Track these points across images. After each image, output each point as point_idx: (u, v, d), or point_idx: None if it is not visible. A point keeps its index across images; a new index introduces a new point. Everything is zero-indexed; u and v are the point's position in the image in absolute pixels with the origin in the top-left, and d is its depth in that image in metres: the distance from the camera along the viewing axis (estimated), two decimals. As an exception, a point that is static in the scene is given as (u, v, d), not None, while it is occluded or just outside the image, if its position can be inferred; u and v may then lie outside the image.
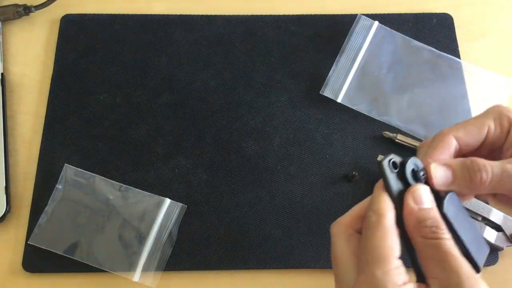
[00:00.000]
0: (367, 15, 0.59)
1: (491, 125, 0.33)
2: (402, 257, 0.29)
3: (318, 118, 0.55)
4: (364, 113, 0.55)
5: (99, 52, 0.58)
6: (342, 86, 0.55)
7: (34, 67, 0.58)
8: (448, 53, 0.57)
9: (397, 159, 0.30)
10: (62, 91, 0.56)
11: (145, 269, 0.48)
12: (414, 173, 0.31)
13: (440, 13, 0.61)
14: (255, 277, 0.49)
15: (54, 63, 0.57)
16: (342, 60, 0.57)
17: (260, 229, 0.50)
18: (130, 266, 0.48)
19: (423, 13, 0.61)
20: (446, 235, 0.28)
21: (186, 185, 0.52)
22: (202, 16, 0.60)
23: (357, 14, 0.59)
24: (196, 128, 0.54)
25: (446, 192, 0.31)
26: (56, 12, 0.60)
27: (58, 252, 0.48)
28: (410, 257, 0.30)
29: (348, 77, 0.56)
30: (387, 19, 0.59)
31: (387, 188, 0.29)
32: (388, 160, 0.30)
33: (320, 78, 0.56)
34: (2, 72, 0.56)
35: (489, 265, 0.49)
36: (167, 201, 0.50)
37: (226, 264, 0.49)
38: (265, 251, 0.49)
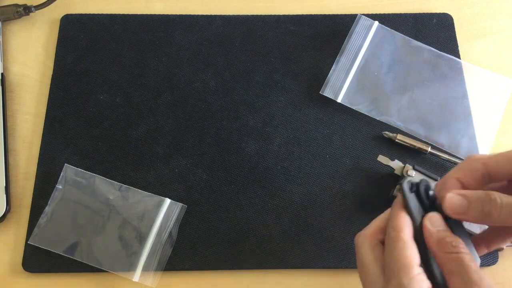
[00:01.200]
0: (367, 15, 0.59)
1: None
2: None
3: (318, 118, 0.55)
4: (364, 113, 0.55)
5: (99, 52, 0.58)
6: (342, 86, 0.55)
7: (34, 67, 0.58)
8: (448, 53, 0.57)
9: (414, 180, 0.35)
10: (62, 91, 0.56)
11: (145, 269, 0.48)
12: (427, 193, 0.35)
13: (440, 13, 0.61)
14: (255, 277, 0.49)
15: (54, 63, 0.57)
16: (342, 60, 0.57)
17: (260, 229, 0.50)
18: (130, 266, 0.48)
19: (423, 13, 0.61)
20: (465, 249, 0.31)
21: (186, 185, 0.52)
22: (202, 16, 0.60)
23: (357, 14, 0.59)
24: (196, 128, 0.54)
25: None
26: (56, 12, 0.60)
27: (58, 252, 0.48)
28: (426, 270, 0.32)
29: (348, 77, 0.56)
30: (387, 19, 0.59)
31: (406, 205, 0.33)
32: (407, 182, 0.35)
33: (320, 78, 0.56)
34: (2, 72, 0.56)
35: (489, 265, 0.49)
36: (167, 201, 0.50)
37: (226, 264, 0.49)
38: (265, 251, 0.49)
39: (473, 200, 0.32)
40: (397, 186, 0.49)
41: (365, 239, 0.34)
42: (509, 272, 0.50)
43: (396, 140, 0.53)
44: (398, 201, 0.34)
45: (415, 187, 0.35)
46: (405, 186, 0.34)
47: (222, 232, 0.50)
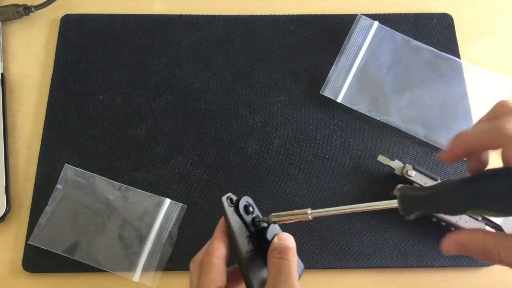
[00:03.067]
0: (367, 15, 0.59)
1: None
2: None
3: (318, 118, 0.55)
4: (364, 113, 0.55)
5: (99, 52, 0.58)
6: (342, 86, 0.55)
7: (34, 67, 0.58)
8: (448, 53, 0.57)
9: (233, 196, 0.39)
10: (62, 91, 0.56)
11: (145, 269, 0.48)
12: (246, 207, 0.39)
13: (440, 13, 0.61)
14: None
15: (54, 63, 0.57)
16: (342, 60, 0.57)
17: (260, 229, 0.50)
18: (130, 266, 0.48)
19: (423, 13, 0.61)
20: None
21: (186, 185, 0.52)
22: (202, 16, 0.60)
23: (357, 14, 0.59)
24: (196, 128, 0.54)
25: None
26: (56, 12, 0.60)
27: (58, 252, 0.48)
28: (244, 274, 0.37)
29: (348, 77, 0.56)
30: (387, 19, 0.59)
31: (226, 218, 0.38)
32: (225, 197, 0.39)
33: (320, 78, 0.56)
34: (2, 72, 0.56)
35: (489, 265, 0.49)
36: (167, 201, 0.50)
37: (226, 264, 0.48)
38: (265, 251, 0.49)
39: (471, 247, 0.34)
40: (397, 186, 0.49)
41: (195, 265, 0.38)
42: (509, 272, 0.49)
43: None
44: (219, 224, 0.39)
45: (235, 202, 0.39)
46: (224, 200, 0.39)
47: (222, 232, 0.50)
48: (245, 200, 0.40)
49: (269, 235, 0.38)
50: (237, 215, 0.39)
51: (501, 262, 0.32)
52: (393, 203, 0.35)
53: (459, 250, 0.34)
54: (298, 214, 0.39)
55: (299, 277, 0.38)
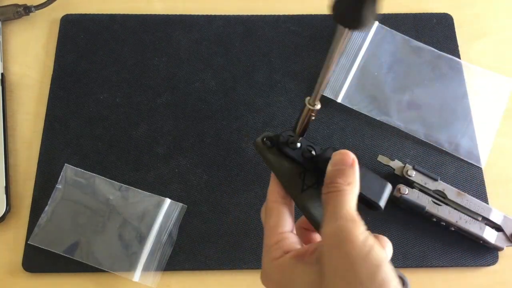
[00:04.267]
0: (367, 15, 0.59)
1: None
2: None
3: (318, 118, 0.55)
4: (364, 113, 0.55)
5: (99, 52, 0.58)
6: (342, 86, 0.55)
7: (34, 67, 0.58)
8: (448, 53, 0.57)
9: (270, 134, 0.35)
10: (62, 91, 0.56)
11: (145, 269, 0.48)
12: (289, 142, 0.34)
13: (440, 13, 0.61)
14: (255, 277, 0.49)
15: (54, 63, 0.57)
16: (342, 60, 0.57)
17: (260, 229, 0.49)
18: (130, 266, 0.48)
19: (423, 13, 0.61)
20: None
21: (186, 185, 0.52)
22: (202, 16, 0.60)
23: (357, 14, 0.59)
24: (196, 128, 0.54)
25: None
26: (56, 12, 0.60)
27: (58, 252, 0.48)
28: (306, 215, 0.34)
29: (348, 77, 0.56)
30: (387, 19, 0.59)
31: (267, 162, 0.34)
32: (261, 138, 0.34)
33: (320, 78, 0.56)
34: (2, 72, 0.56)
35: (489, 265, 0.49)
36: (167, 201, 0.50)
37: (226, 264, 0.49)
38: (265, 251, 0.49)
39: None
40: (397, 186, 0.49)
41: (262, 213, 0.36)
42: (509, 272, 0.50)
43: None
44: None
45: (274, 140, 0.35)
46: (259, 141, 0.35)
47: (222, 232, 0.50)
48: (287, 134, 0.34)
49: (322, 163, 0.33)
50: (281, 153, 0.34)
51: None
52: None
53: None
54: (304, 112, 0.34)
55: (385, 199, 0.34)
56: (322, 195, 0.32)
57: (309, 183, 0.34)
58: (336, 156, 0.32)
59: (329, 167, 0.32)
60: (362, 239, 0.28)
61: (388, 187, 0.34)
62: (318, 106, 0.33)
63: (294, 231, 0.34)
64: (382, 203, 0.33)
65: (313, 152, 0.35)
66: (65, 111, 0.55)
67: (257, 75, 0.57)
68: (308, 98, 0.33)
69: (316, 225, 0.33)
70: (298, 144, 0.34)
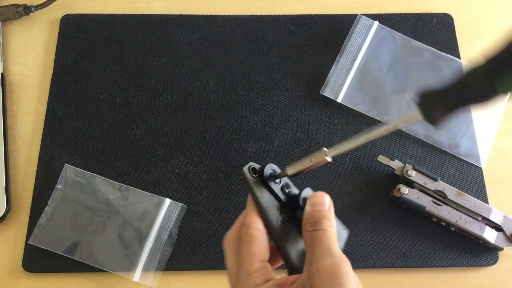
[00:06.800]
0: (367, 15, 0.59)
1: None
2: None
3: (318, 118, 0.55)
4: (364, 113, 0.55)
5: (99, 52, 0.58)
6: (342, 86, 0.55)
7: (34, 67, 0.58)
8: (448, 53, 0.57)
9: (256, 165, 0.35)
10: (62, 91, 0.56)
11: (145, 269, 0.48)
12: (273, 176, 0.35)
13: (440, 13, 0.61)
14: (255, 277, 0.49)
15: (54, 63, 0.57)
16: (342, 60, 0.57)
17: (260, 229, 0.50)
18: (130, 266, 0.48)
19: (423, 13, 0.61)
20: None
21: (186, 185, 0.52)
22: (202, 16, 0.60)
23: (357, 14, 0.59)
24: (196, 128, 0.54)
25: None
26: (56, 12, 0.60)
27: (58, 252, 0.48)
28: (280, 248, 0.34)
29: (348, 77, 0.56)
30: (387, 19, 0.59)
31: (251, 191, 0.34)
32: (247, 168, 0.35)
33: (320, 78, 0.56)
34: (2, 72, 0.56)
35: (489, 265, 0.49)
36: (167, 201, 0.50)
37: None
38: (265, 251, 0.49)
39: None
40: (397, 187, 0.49)
41: (229, 242, 0.36)
42: (509, 272, 0.50)
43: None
44: (250, 197, 0.35)
45: (259, 172, 0.35)
46: (245, 170, 0.35)
47: (222, 232, 0.49)
48: (270, 167, 0.35)
49: (302, 202, 0.34)
50: (263, 185, 0.35)
51: None
52: (413, 115, 0.31)
53: None
54: (314, 157, 0.34)
55: (344, 242, 0.36)
56: (305, 232, 0.33)
57: (285, 217, 0.35)
58: (315, 197, 0.34)
59: (309, 208, 0.34)
60: (353, 276, 0.31)
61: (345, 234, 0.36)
62: (330, 160, 0.34)
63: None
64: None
65: (288, 190, 0.36)
66: (65, 111, 0.55)
67: (257, 75, 0.57)
68: (325, 149, 0.33)
69: (286, 256, 0.34)
70: (278, 180, 0.35)
